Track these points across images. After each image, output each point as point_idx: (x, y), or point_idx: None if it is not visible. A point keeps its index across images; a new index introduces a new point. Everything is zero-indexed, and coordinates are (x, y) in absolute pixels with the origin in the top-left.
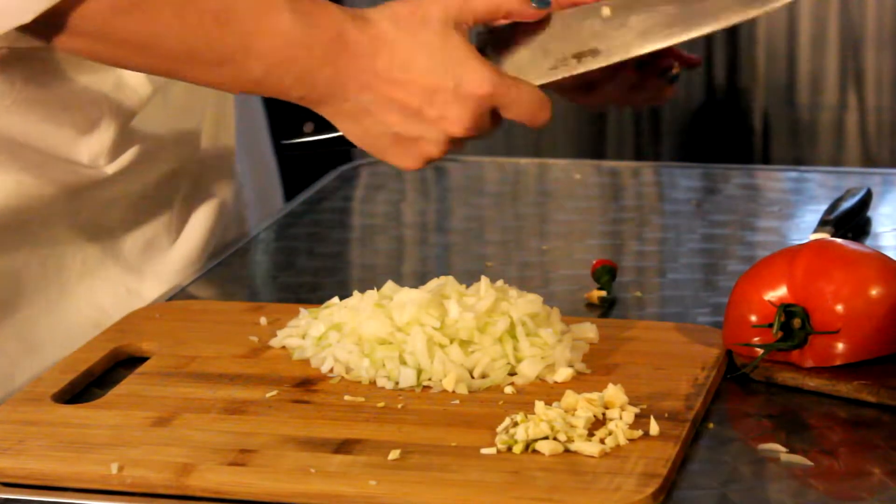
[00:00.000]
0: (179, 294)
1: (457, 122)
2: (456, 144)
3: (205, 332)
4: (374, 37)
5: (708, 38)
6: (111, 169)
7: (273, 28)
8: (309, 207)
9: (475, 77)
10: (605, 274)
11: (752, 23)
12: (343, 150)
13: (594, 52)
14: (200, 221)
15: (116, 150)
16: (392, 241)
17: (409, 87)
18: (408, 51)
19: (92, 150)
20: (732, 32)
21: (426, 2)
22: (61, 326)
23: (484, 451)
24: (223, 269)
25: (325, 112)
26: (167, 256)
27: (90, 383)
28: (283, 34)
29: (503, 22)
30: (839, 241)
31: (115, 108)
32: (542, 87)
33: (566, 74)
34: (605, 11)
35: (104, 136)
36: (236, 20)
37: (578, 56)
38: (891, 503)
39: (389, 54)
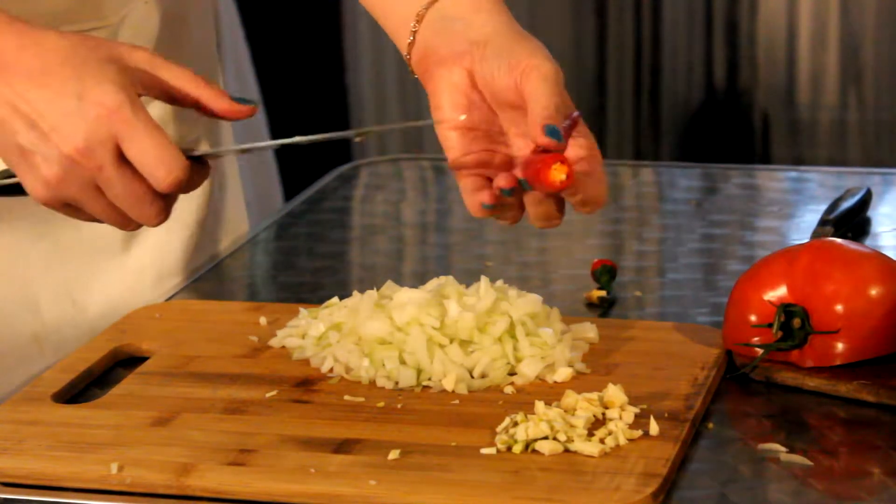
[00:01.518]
0: (179, 294)
1: (69, 137)
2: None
3: (205, 332)
4: (20, 33)
5: (708, 38)
6: None
7: None
8: (309, 207)
9: (100, 91)
10: (605, 274)
11: (752, 23)
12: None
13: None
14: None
15: None
16: (392, 241)
17: (35, 92)
18: (50, 55)
19: None
20: (732, 32)
21: (108, 40)
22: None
23: (484, 451)
24: (223, 269)
25: None
26: (117, 265)
27: (90, 383)
28: None
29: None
30: (839, 241)
31: None
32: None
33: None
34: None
35: None
36: None
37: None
38: (891, 503)
39: (32, 56)
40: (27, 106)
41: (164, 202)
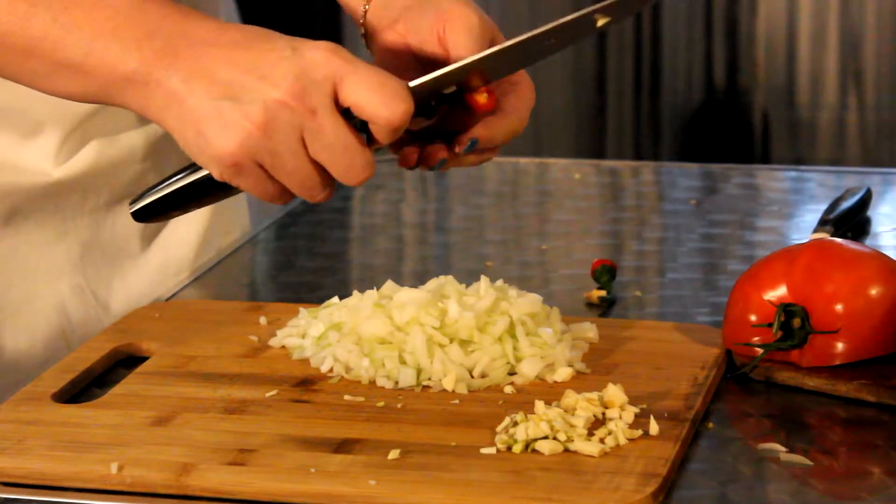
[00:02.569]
0: (179, 294)
1: (280, 81)
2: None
3: (205, 332)
4: (226, 25)
5: (708, 38)
6: (59, 173)
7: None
8: (309, 207)
9: (314, 43)
10: (605, 274)
11: (752, 23)
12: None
13: None
14: (180, 227)
15: (65, 155)
16: (392, 241)
17: (242, 54)
18: (252, 31)
19: (37, 154)
20: (732, 32)
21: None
22: (25, 331)
23: (484, 450)
24: (223, 268)
25: (149, 102)
26: (138, 263)
27: (90, 383)
28: (107, 4)
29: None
30: (839, 240)
31: (60, 112)
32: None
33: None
34: None
35: (49, 140)
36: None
37: None
38: (891, 503)
39: (235, 31)
40: (230, 66)
41: (371, 155)
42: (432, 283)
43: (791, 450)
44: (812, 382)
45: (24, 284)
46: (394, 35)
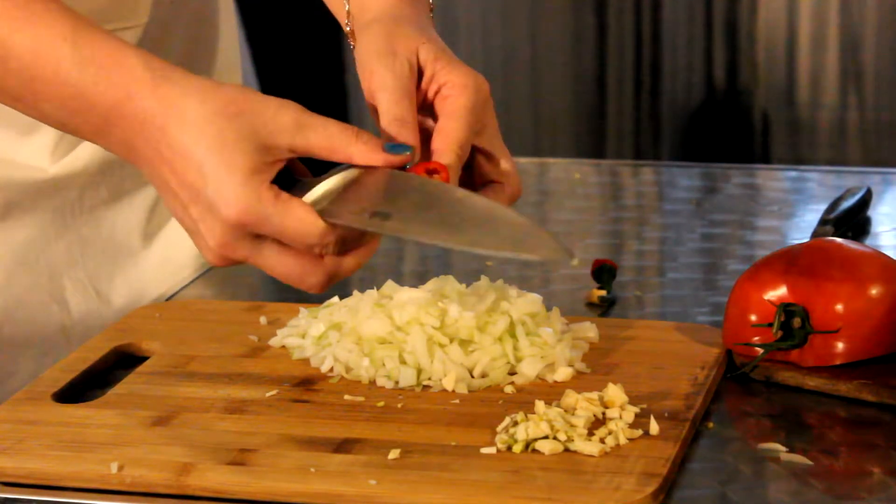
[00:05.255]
0: (180, 293)
1: (208, 233)
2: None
3: (205, 332)
4: (168, 105)
5: (707, 38)
6: (56, 170)
7: (54, 75)
8: None
9: (226, 197)
10: (605, 273)
11: (752, 23)
12: None
13: (385, 216)
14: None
15: (61, 152)
16: (392, 241)
17: (180, 177)
18: (192, 139)
19: (33, 151)
20: (732, 32)
21: (255, 101)
22: (26, 325)
23: (484, 450)
24: (223, 268)
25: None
26: (139, 260)
27: (90, 383)
28: (65, 84)
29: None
30: (839, 240)
31: None
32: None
33: (357, 225)
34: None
35: (46, 137)
36: (14, 58)
37: (373, 213)
38: (891, 503)
39: (176, 131)
40: (177, 184)
41: (320, 268)
42: (432, 283)
43: (791, 450)
44: (812, 382)
45: (24, 279)
46: (401, 62)
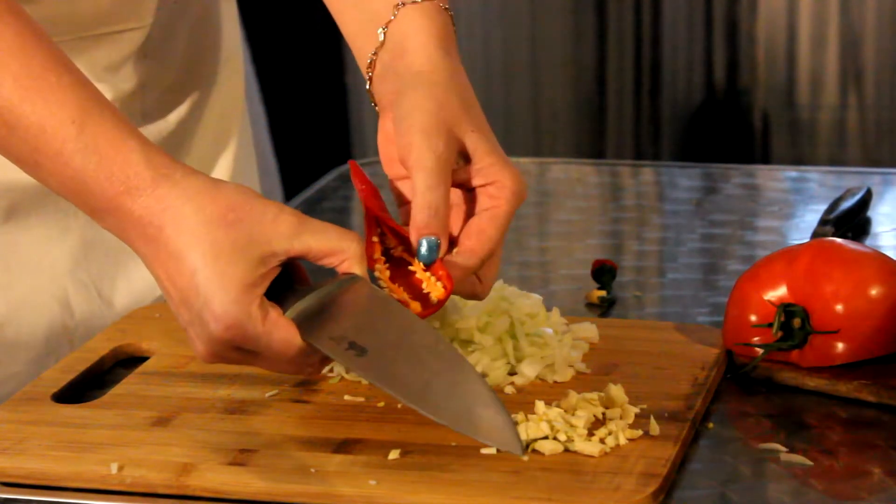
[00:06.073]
0: None
1: (197, 339)
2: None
3: None
4: (165, 207)
5: (707, 38)
6: None
7: (57, 155)
8: (309, 207)
9: (215, 312)
10: (605, 274)
11: (752, 23)
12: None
13: (361, 351)
14: None
15: None
16: None
17: (173, 279)
18: (188, 245)
19: None
20: (732, 32)
21: (255, 207)
22: (28, 326)
23: (484, 451)
24: None
25: None
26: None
27: (90, 383)
28: (67, 165)
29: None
30: (839, 241)
31: None
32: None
33: (332, 356)
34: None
35: None
36: (21, 128)
37: (350, 344)
38: (891, 503)
39: (172, 233)
40: (168, 285)
41: (303, 361)
42: None
43: (791, 450)
44: (812, 382)
45: (27, 280)
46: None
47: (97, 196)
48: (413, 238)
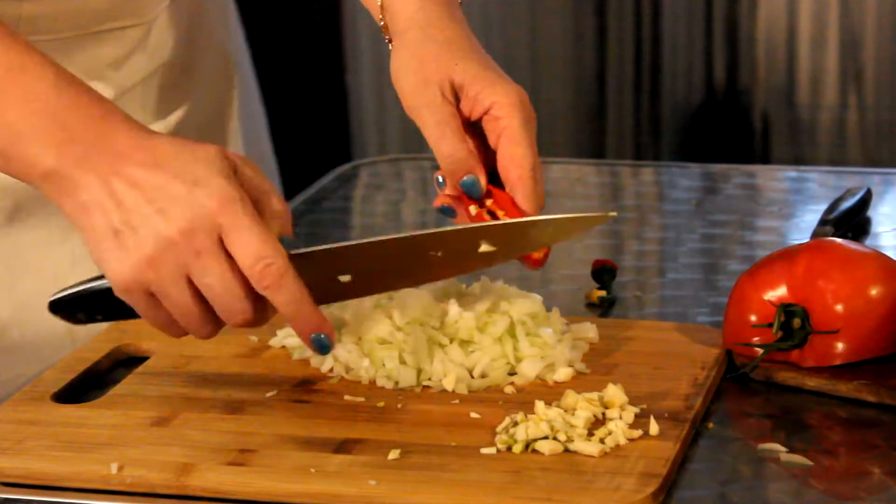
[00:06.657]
0: None
1: (173, 220)
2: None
3: None
4: (145, 135)
5: (707, 38)
6: None
7: (27, 88)
8: (309, 207)
9: (214, 183)
10: (605, 274)
11: (752, 22)
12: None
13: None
14: None
15: None
16: None
17: (148, 177)
18: (163, 148)
19: None
20: (732, 32)
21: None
22: (31, 328)
23: (484, 451)
24: None
25: (62, 202)
26: None
27: (90, 383)
28: (38, 97)
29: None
30: (839, 241)
31: None
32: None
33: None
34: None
35: None
36: None
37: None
38: (891, 503)
39: (145, 152)
40: (135, 190)
41: (253, 303)
42: (432, 284)
43: (791, 450)
44: (812, 382)
45: (29, 281)
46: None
47: (80, 108)
48: (451, 185)
